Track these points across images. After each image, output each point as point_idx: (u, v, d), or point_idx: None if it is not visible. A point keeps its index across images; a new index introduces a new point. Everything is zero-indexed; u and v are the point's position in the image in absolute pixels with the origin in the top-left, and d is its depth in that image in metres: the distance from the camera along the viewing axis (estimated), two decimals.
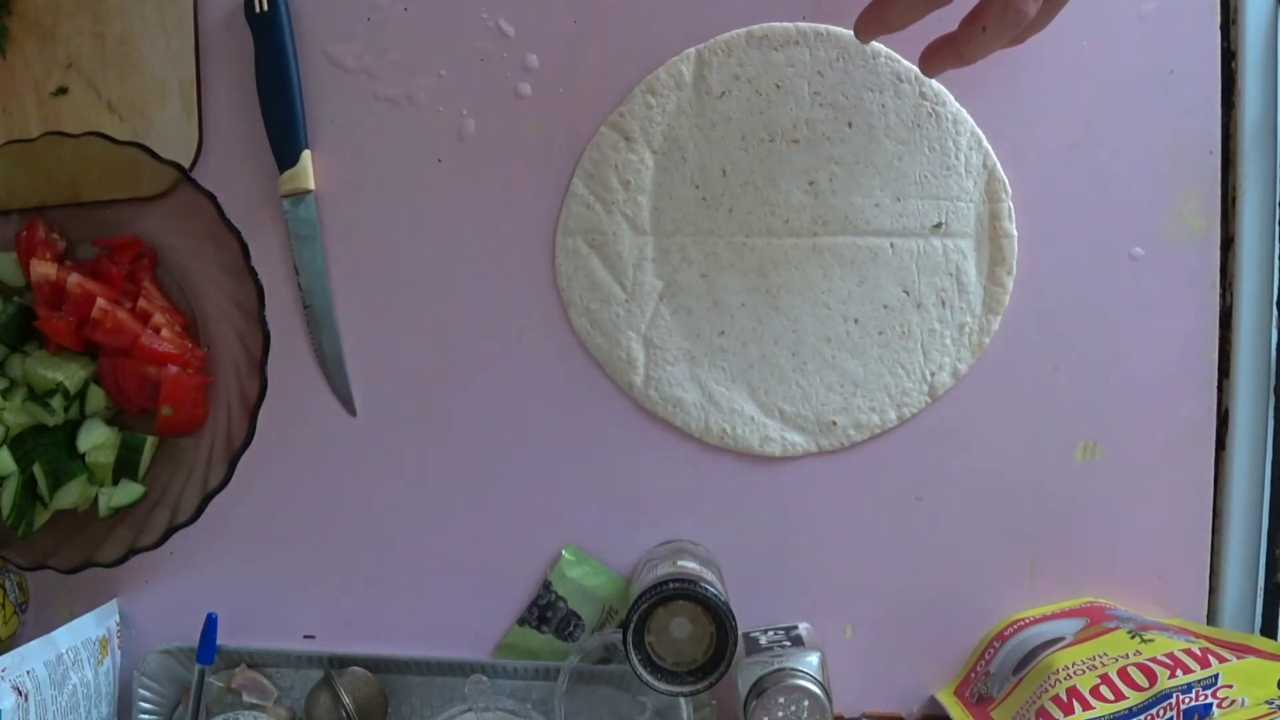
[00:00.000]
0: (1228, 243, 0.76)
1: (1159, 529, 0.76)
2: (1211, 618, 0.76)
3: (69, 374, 0.74)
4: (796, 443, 0.77)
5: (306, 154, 0.76)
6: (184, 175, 0.73)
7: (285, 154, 0.76)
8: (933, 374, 0.76)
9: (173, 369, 0.74)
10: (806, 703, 0.68)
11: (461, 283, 0.77)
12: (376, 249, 0.78)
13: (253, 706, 0.76)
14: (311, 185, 0.77)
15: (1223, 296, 0.76)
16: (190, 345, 0.75)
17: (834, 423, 0.76)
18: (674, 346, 0.76)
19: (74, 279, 0.74)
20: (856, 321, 0.76)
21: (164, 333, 0.74)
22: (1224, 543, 0.76)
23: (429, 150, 0.77)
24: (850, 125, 0.75)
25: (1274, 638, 0.74)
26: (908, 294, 0.75)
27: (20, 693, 0.67)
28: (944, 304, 0.75)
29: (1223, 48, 0.75)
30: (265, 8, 0.75)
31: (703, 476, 0.77)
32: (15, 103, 0.77)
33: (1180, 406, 0.76)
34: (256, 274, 0.72)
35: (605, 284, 0.76)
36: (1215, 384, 0.76)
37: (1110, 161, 0.75)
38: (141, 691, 0.76)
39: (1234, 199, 0.75)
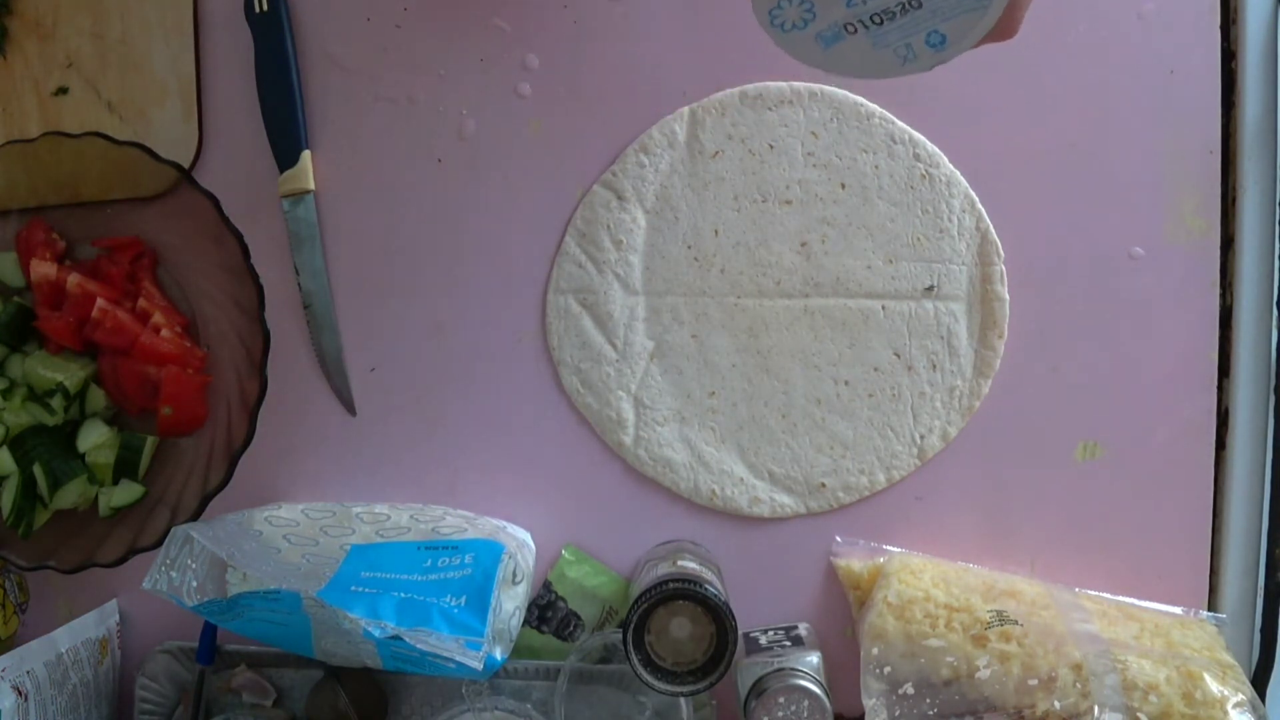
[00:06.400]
0: (1228, 243, 0.75)
1: (1159, 529, 0.76)
2: None
3: (69, 374, 0.74)
4: (785, 504, 0.76)
5: (306, 154, 0.76)
6: (184, 175, 0.73)
7: (285, 154, 0.76)
8: (922, 437, 0.76)
9: (173, 369, 0.74)
10: (806, 703, 0.68)
11: (461, 283, 0.77)
12: (376, 249, 0.77)
13: (253, 706, 0.76)
14: (311, 185, 0.77)
15: (1223, 296, 0.76)
16: (190, 345, 0.75)
17: (823, 485, 0.76)
18: (664, 407, 0.76)
19: (74, 279, 0.74)
20: (847, 384, 0.75)
21: (164, 333, 0.74)
22: (1224, 543, 0.76)
23: (429, 150, 0.77)
24: (843, 186, 0.75)
25: (1274, 637, 0.74)
26: (898, 356, 0.75)
27: (20, 693, 0.67)
28: (935, 367, 0.75)
29: (1223, 48, 0.75)
30: (265, 8, 0.75)
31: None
32: (15, 103, 0.77)
33: (1180, 406, 0.76)
34: (256, 274, 0.72)
35: (596, 343, 0.76)
36: (1215, 384, 0.76)
37: (1110, 161, 0.75)
38: (141, 692, 0.76)
39: (1234, 199, 0.75)
